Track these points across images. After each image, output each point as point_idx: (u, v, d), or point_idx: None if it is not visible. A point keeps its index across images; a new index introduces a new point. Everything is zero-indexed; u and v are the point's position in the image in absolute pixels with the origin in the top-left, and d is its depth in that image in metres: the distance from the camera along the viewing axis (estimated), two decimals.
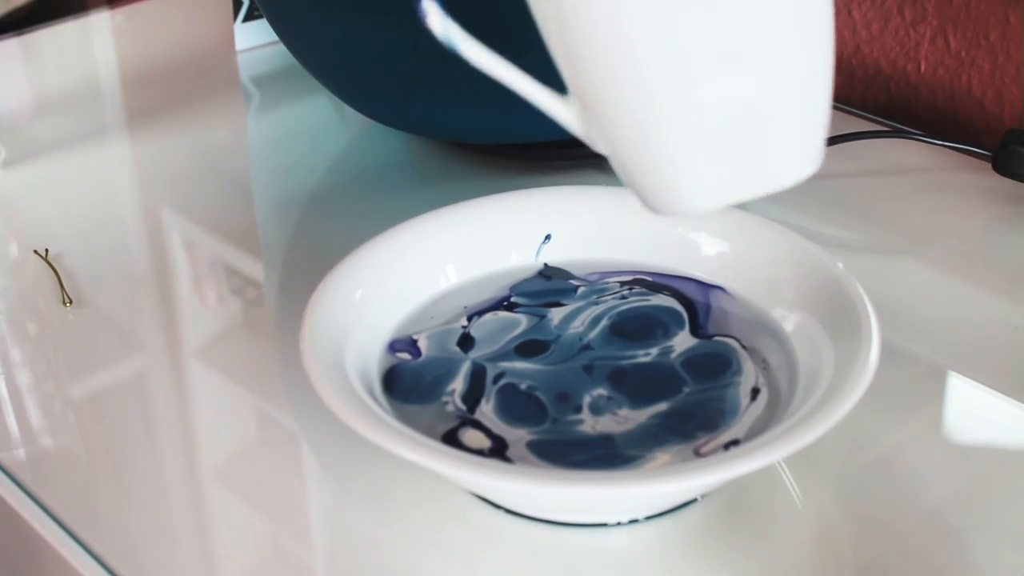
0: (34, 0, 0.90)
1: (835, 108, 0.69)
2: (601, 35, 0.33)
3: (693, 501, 0.42)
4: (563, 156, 0.62)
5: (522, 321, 0.47)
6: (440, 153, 0.65)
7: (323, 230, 0.59)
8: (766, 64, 0.33)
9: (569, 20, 0.34)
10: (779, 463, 0.43)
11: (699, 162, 0.34)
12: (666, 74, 0.33)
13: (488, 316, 0.47)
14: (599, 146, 0.37)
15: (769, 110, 0.34)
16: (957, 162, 0.63)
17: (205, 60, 0.78)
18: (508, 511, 0.41)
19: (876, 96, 0.73)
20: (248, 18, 0.78)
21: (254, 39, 0.78)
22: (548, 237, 0.50)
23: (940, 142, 0.63)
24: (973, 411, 0.47)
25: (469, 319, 0.47)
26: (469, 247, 0.49)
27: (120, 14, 0.84)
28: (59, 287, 0.54)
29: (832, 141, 0.62)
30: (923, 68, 0.70)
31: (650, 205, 0.36)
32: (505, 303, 0.48)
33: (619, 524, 0.41)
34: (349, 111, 0.70)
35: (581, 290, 0.48)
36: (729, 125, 0.34)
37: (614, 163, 0.36)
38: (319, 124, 0.69)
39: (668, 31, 0.32)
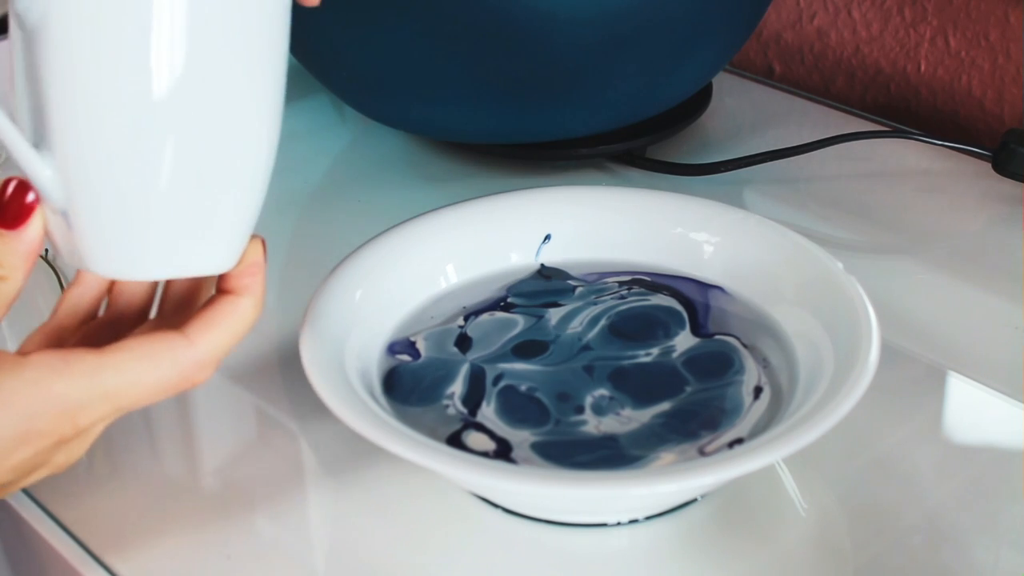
0: None
1: (835, 108, 0.69)
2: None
3: (693, 501, 0.42)
4: (563, 156, 0.62)
5: (519, 321, 0.47)
6: (440, 153, 0.65)
7: (323, 230, 0.59)
8: (172, 169, 0.35)
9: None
10: (779, 463, 0.43)
11: (112, 235, 0.36)
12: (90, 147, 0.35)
13: (485, 316, 0.47)
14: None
15: (168, 206, 0.36)
16: (957, 162, 0.63)
17: None
18: (508, 511, 0.41)
19: (876, 96, 0.73)
20: None
21: None
22: (548, 237, 0.50)
23: (940, 142, 0.63)
24: (973, 411, 0.47)
25: (466, 319, 0.47)
26: (469, 247, 0.49)
27: None
28: (59, 287, 0.54)
29: (832, 141, 0.62)
30: (923, 68, 0.70)
31: (76, 260, 0.37)
32: (502, 303, 0.48)
33: (619, 524, 0.41)
34: (349, 111, 0.70)
35: (579, 290, 0.48)
36: (134, 208, 0.36)
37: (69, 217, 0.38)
38: (319, 124, 0.69)
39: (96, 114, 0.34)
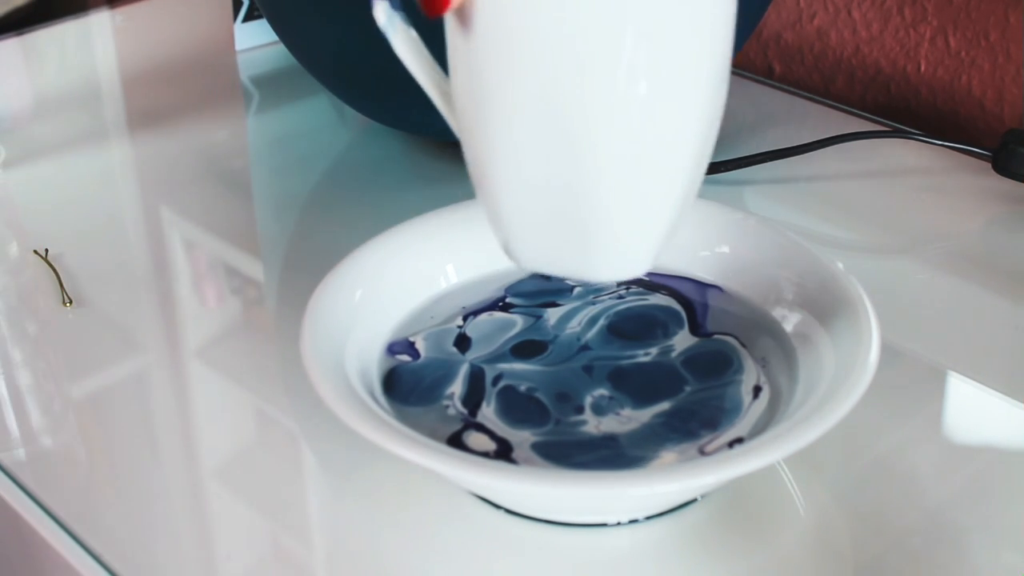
0: (34, 0, 0.90)
1: (835, 108, 0.69)
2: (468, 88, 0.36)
3: (693, 501, 0.42)
4: None
5: (518, 322, 0.47)
6: (440, 153, 0.65)
7: (323, 230, 0.59)
8: (600, 168, 0.35)
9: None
10: (779, 463, 0.43)
11: (519, 227, 0.38)
12: (505, 148, 0.36)
13: (483, 316, 0.47)
14: None
15: (594, 211, 0.36)
16: (957, 162, 0.63)
17: (205, 60, 0.78)
18: (508, 511, 0.41)
19: (876, 96, 0.73)
20: (248, 18, 0.78)
21: (254, 39, 0.78)
22: None
23: (940, 142, 0.63)
24: (973, 411, 0.47)
25: (464, 319, 0.47)
26: (469, 247, 0.49)
27: (120, 14, 0.84)
28: (59, 287, 0.54)
29: (832, 141, 0.62)
30: (923, 68, 0.70)
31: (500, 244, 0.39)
32: (500, 304, 0.48)
33: (619, 524, 0.41)
34: (349, 111, 0.70)
35: (577, 290, 0.48)
36: (551, 208, 0.36)
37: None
38: (319, 124, 0.69)
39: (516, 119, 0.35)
